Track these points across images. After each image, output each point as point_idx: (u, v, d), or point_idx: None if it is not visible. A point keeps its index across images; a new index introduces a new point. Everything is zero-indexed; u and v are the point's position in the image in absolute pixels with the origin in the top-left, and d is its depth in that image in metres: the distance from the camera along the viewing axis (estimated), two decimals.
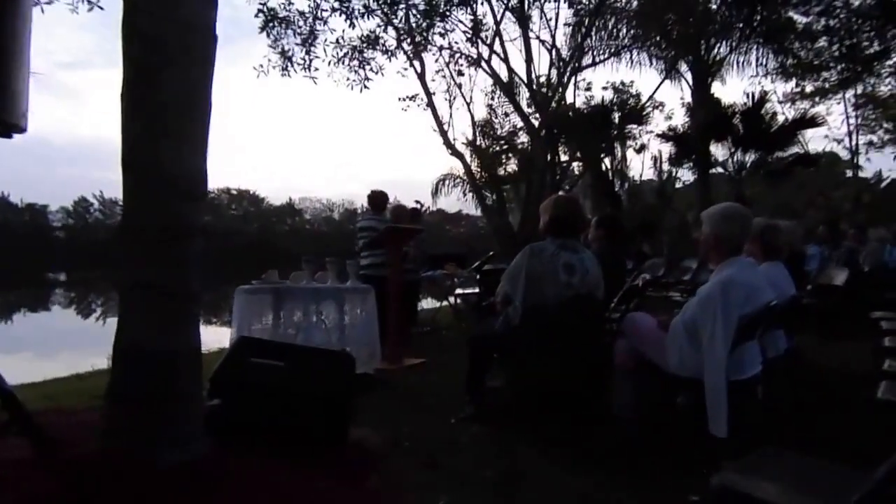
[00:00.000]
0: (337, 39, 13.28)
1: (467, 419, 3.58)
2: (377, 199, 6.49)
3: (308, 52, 13.01)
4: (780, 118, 14.87)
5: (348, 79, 13.68)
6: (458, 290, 8.56)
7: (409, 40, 13.65)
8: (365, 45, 13.31)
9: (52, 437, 2.38)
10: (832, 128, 23.63)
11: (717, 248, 2.94)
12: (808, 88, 20.29)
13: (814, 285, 6.21)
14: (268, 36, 12.81)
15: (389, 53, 13.64)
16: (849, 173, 26.51)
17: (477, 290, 7.79)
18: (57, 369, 6.16)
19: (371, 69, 13.63)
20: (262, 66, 13.09)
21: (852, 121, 24.29)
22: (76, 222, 48.72)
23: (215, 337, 7.06)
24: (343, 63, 13.47)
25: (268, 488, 2.44)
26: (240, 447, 2.77)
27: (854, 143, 24.64)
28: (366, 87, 13.68)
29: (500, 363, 3.90)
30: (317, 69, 13.16)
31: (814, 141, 42.34)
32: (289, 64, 13.02)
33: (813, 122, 14.65)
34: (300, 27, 12.81)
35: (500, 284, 3.63)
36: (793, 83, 19.27)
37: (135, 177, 2.63)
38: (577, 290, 3.42)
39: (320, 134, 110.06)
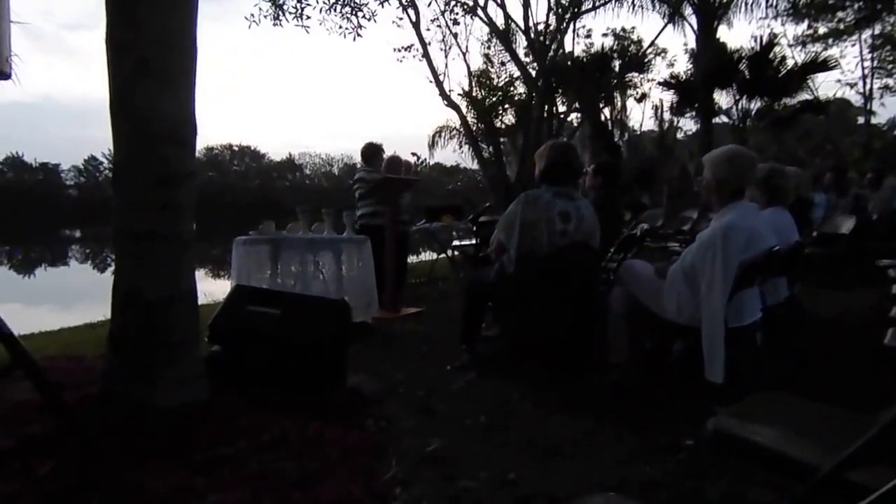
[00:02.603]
0: None
1: (462, 367, 3.61)
2: (370, 150, 6.45)
3: (299, 0, 12.75)
4: (790, 63, 14.21)
5: (340, 27, 13.45)
6: (455, 242, 8.56)
7: None
8: None
9: (56, 380, 2.48)
10: (845, 72, 22.26)
11: (718, 192, 2.89)
12: (822, 30, 19.40)
13: (819, 233, 6.11)
14: None
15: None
16: (860, 120, 25.53)
17: (474, 241, 7.79)
18: (74, 320, 6.33)
19: (363, 16, 13.36)
20: (252, 15, 12.87)
21: (867, 63, 22.91)
22: (87, 180, 50.03)
23: (222, 289, 7.15)
24: (335, 10, 13.21)
25: (264, 428, 2.49)
26: (239, 392, 2.84)
27: (868, 87, 23.31)
28: (359, 34, 13.47)
29: (494, 312, 3.92)
30: (308, 17, 12.94)
31: (824, 86, 40.81)
32: (280, 13, 12.81)
33: (825, 65, 13.95)
34: None
35: (495, 233, 3.61)
36: (804, 25, 18.52)
37: (122, 123, 2.65)
38: (572, 237, 3.41)
39: (319, 90, 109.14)
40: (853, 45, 21.72)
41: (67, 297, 12.34)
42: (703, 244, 2.80)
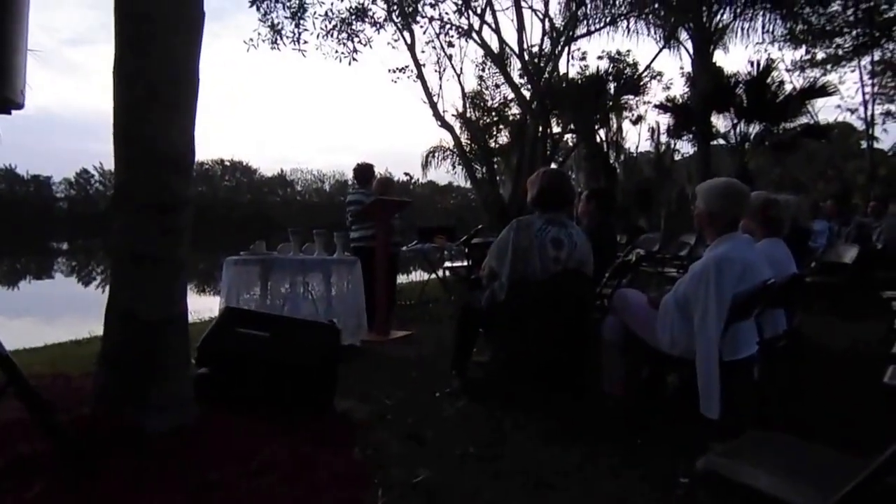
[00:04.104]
0: (326, 12, 13.34)
1: (453, 393, 3.56)
2: (363, 172, 6.42)
3: (297, 26, 13.09)
4: (788, 87, 14.32)
5: (336, 52, 13.69)
6: (447, 263, 8.52)
7: (397, 11, 13.52)
8: (353, 17, 13.28)
9: (47, 400, 2.44)
10: (845, 97, 21.99)
11: (711, 224, 2.87)
12: (819, 56, 19.19)
13: (820, 263, 6.02)
14: (258, 10, 12.89)
15: (378, 26, 13.59)
16: (864, 145, 25.25)
17: (466, 263, 7.75)
18: (58, 335, 6.23)
19: (359, 41, 13.62)
20: (251, 39, 13.17)
21: (868, 89, 22.58)
22: (78, 193, 50.48)
23: (207, 305, 7.12)
24: (332, 36, 13.49)
25: (254, 453, 2.47)
26: (226, 413, 2.83)
27: (870, 113, 22.84)
28: (354, 59, 13.74)
29: (485, 338, 3.86)
30: (305, 42, 13.27)
31: (824, 111, 40.20)
32: (278, 37, 13.11)
33: (823, 91, 14.15)
34: (290, 0, 12.85)
35: (486, 259, 3.59)
36: (802, 50, 18.33)
37: (126, 149, 2.73)
38: (564, 264, 3.38)
39: (312, 106, 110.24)
40: (853, 71, 21.48)
41: (50, 311, 12.19)
42: (695, 275, 2.76)
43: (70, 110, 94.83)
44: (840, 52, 18.11)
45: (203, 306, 7.20)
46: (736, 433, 1.87)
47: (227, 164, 57.81)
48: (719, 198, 2.84)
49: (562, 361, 3.30)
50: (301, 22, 13.05)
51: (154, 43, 2.66)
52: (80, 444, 2.27)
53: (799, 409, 3.18)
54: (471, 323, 3.69)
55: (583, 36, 14.97)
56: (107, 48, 2.71)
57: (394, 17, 13.68)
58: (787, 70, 18.95)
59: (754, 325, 2.85)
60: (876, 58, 19.77)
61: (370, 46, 13.76)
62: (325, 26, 13.37)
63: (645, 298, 3.12)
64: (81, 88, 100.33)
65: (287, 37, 13.12)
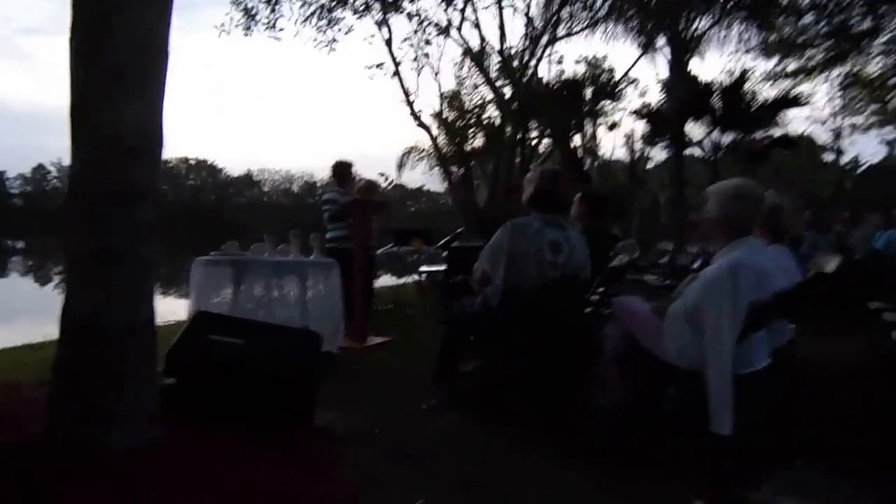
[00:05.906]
0: None
1: (439, 406, 3.35)
2: (340, 169, 6.18)
3: (273, 10, 12.71)
4: (761, 97, 14.52)
5: (315, 39, 13.30)
6: (424, 267, 8.33)
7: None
8: (334, 2, 12.89)
9: None
10: (814, 108, 23.24)
11: (723, 228, 2.68)
12: (791, 67, 19.13)
13: (814, 273, 5.98)
14: None
15: (359, 13, 13.20)
16: (826, 158, 25.86)
17: (444, 267, 7.57)
18: (11, 338, 5.89)
19: (339, 29, 13.25)
20: (223, 24, 12.72)
21: (837, 101, 23.20)
22: (34, 189, 49.00)
23: (170, 308, 6.80)
24: (310, 22, 13.08)
25: (226, 475, 2.28)
26: (196, 429, 2.60)
27: (838, 125, 23.91)
28: (332, 48, 13.35)
29: (475, 347, 3.66)
30: (282, 29, 12.80)
31: (794, 122, 41.28)
32: (252, 23, 12.70)
33: (796, 101, 14.40)
34: None
35: (478, 262, 3.37)
36: (775, 61, 18.44)
37: (84, 132, 2.44)
38: (563, 269, 3.20)
39: (282, 105, 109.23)
40: (823, 83, 21.45)
41: (5, 312, 11.61)
42: (708, 283, 2.60)
43: (26, 102, 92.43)
44: (811, 63, 18.41)
45: (166, 309, 6.89)
46: (745, 450, 1.72)
47: (192, 162, 56.86)
48: (736, 200, 2.66)
49: (561, 374, 3.11)
50: (277, 7, 12.70)
51: (116, 11, 2.37)
52: (29, 466, 2.07)
53: (804, 425, 3.05)
54: (461, 330, 3.48)
55: (563, 38, 14.96)
56: (65, 38, 2.41)
57: (375, 5, 13.32)
58: (761, 81, 19.23)
59: (766, 336, 2.70)
60: (845, 70, 20.09)
61: (351, 31, 13.45)
62: (304, 12, 13.00)
63: (648, 307, 2.95)
64: (38, 79, 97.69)
65: (262, 22, 12.76)
